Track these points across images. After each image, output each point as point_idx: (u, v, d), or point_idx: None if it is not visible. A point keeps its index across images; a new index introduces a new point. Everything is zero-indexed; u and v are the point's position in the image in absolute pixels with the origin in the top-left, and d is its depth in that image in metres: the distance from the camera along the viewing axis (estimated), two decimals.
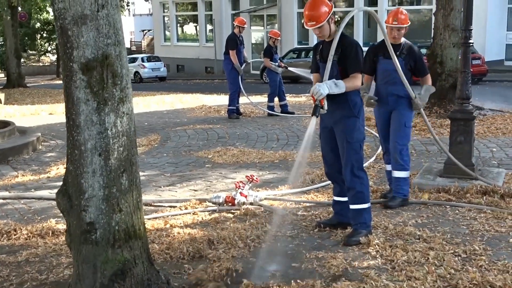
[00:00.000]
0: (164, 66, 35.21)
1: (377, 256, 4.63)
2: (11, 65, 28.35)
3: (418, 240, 4.93)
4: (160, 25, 40.33)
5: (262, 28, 33.22)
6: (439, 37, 12.22)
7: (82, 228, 3.54)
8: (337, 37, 4.77)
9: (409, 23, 6.18)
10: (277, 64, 13.26)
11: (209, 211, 6.12)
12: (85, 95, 3.41)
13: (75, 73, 3.39)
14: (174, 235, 5.23)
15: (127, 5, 53.90)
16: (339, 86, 4.81)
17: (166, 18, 40.19)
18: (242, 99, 13.80)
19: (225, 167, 8.27)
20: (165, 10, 40.04)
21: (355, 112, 5.05)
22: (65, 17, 3.35)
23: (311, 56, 22.59)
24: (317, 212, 5.87)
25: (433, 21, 12.93)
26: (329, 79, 4.80)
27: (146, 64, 34.59)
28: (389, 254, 4.62)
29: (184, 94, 20.36)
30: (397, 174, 6.12)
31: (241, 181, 6.32)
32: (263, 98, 15.72)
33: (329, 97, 4.78)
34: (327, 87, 4.71)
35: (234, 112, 13.09)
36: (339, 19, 29.52)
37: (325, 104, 4.71)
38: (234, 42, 12.87)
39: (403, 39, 6.22)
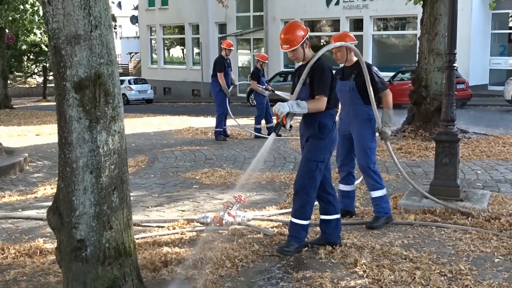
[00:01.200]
0: (151, 89, 35.33)
1: (364, 275, 4.68)
2: None
3: (404, 260, 4.99)
4: (147, 48, 40.54)
5: (249, 51, 33.50)
6: (423, 61, 12.40)
7: (72, 245, 3.56)
8: (312, 61, 5.04)
9: (350, 42, 6.11)
10: (264, 87, 13.38)
11: (197, 231, 6.15)
12: (77, 113, 3.45)
13: (68, 91, 3.44)
14: (162, 255, 5.23)
15: (114, 28, 54.21)
16: (301, 107, 4.98)
17: (153, 41, 40.42)
18: (229, 121, 13.89)
19: (213, 188, 8.31)
20: (152, 33, 40.27)
21: (321, 134, 5.23)
22: (59, 37, 3.41)
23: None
24: None
25: (417, 46, 13.13)
26: (300, 99, 5.05)
27: (133, 86, 34.68)
28: (376, 273, 4.67)
29: (171, 116, 20.41)
30: (373, 194, 6.21)
31: (228, 201, 6.35)
32: (249, 121, 15.81)
33: (303, 118, 5.17)
34: (288, 106, 4.90)
35: (221, 134, 13.16)
36: (324, 43, 29.88)
37: (287, 123, 4.93)
38: (222, 64, 12.98)
39: (355, 59, 6.23)
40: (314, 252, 5.32)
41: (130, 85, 34.70)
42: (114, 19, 53.55)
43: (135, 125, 17.34)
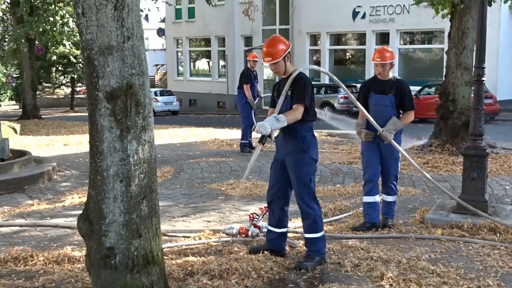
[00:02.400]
0: (177, 100, 35.60)
1: None
2: (27, 96, 28.74)
3: (431, 275, 4.94)
4: (174, 60, 40.92)
5: None
6: (451, 76, 12.33)
7: (102, 253, 3.61)
8: (294, 75, 5.17)
9: (394, 59, 6.57)
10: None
11: (223, 241, 6.17)
12: (109, 123, 3.51)
13: (100, 101, 3.50)
14: (188, 265, 5.26)
15: None
16: (281, 121, 5.07)
17: (179, 53, 40.78)
18: (255, 133, 13.89)
19: (238, 199, 8.33)
20: (179, 46, 40.64)
21: (304, 147, 5.30)
22: (92, 48, 3.48)
23: (322, 93, 22.67)
24: (330, 245, 5.89)
25: (445, 60, 13.06)
26: (282, 113, 5.17)
27: (159, 98, 34.97)
28: (403, 287, 4.64)
29: (196, 128, 20.53)
30: (390, 198, 6.67)
31: (254, 213, 6.36)
32: (275, 133, 15.81)
33: (282, 130, 5.25)
34: (268, 125, 5.01)
35: (246, 146, 13.19)
36: (350, 56, 29.92)
37: (273, 135, 5.15)
38: (248, 76, 13.04)
39: (391, 75, 6.60)
40: (340, 264, 5.30)
41: (156, 97, 34.98)
42: None
43: (162, 136, 17.47)
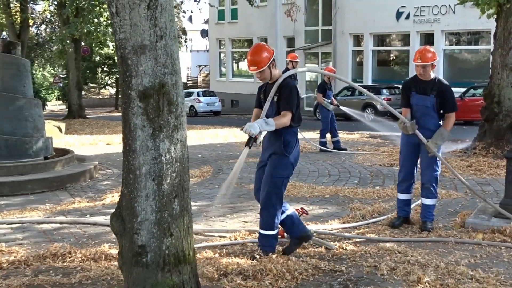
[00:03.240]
0: (219, 101, 35.81)
1: None
2: (73, 96, 29.35)
3: (470, 280, 4.82)
4: (216, 61, 41.14)
5: (317, 65, 33.43)
6: (496, 77, 12.03)
7: (133, 251, 3.63)
8: (279, 81, 5.33)
9: (435, 60, 6.49)
10: (329, 101, 13.30)
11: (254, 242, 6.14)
12: (141, 122, 3.53)
13: (133, 100, 3.52)
14: (222, 265, 5.26)
15: (185, 41, 55.29)
16: (270, 124, 5.20)
17: (222, 54, 40.98)
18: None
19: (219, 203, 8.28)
20: (222, 47, 40.83)
21: (285, 151, 5.44)
22: (126, 47, 3.50)
23: (364, 94, 22.52)
24: (367, 248, 5.81)
25: (491, 61, 12.76)
26: (268, 117, 5.29)
27: (202, 98, 35.26)
28: None
29: (237, 128, 20.55)
30: (428, 201, 6.55)
31: None
32: (315, 134, 15.75)
33: (268, 133, 5.33)
34: (258, 126, 5.14)
35: None
36: (394, 58, 29.55)
37: (259, 138, 5.18)
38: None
39: (433, 75, 6.54)
40: (376, 268, 5.21)
41: (198, 97, 35.30)
42: (185, 32, 54.68)
43: (203, 136, 17.59)
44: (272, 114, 5.40)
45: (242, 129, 5.29)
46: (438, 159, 6.45)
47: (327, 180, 9.80)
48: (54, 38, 31.56)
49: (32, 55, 45.95)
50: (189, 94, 36.66)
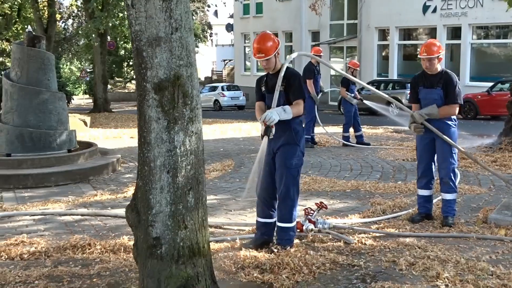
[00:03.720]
0: (243, 95, 35.79)
1: None
2: (98, 90, 29.62)
3: (491, 276, 4.74)
4: (241, 55, 41.14)
5: (342, 59, 33.23)
6: None
7: (148, 243, 3.64)
8: (283, 69, 5.32)
9: (441, 53, 6.43)
10: (353, 95, 13.21)
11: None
12: (156, 114, 3.53)
13: (148, 92, 3.52)
14: (240, 258, 5.26)
15: (210, 36, 55.42)
16: (287, 112, 5.30)
17: (247, 49, 40.93)
18: (318, 129, 13.81)
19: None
20: (246, 41, 40.80)
21: (296, 140, 5.51)
22: (141, 39, 3.50)
23: (390, 88, 22.18)
24: (386, 243, 5.76)
25: None
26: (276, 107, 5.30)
27: (226, 93, 35.31)
28: None
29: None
30: (448, 196, 6.47)
31: (310, 208, 6.30)
32: (339, 129, 15.66)
33: (275, 124, 5.25)
34: (277, 113, 5.20)
35: (308, 141, 13.06)
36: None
37: (273, 129, 5.20)
38: (311, 71, 12.93)
39: (440, 68, 6.51)
40: (394, 263, 5.16)
41: (223, 92, 35.36)
42: (210, 27, 54.84)
43: (226, 130, 17.62)
44: (281, 104, 5.40)
45: (260, 120, 5.29)
46: (453, 152, 6.41)
47: (348, 174, 9.74)
48: (80, 32, 31.87)
49: (60, 49, 46.53)
50: (213, 88, 36.79)
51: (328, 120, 19.42)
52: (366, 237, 5.99)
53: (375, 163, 10.67)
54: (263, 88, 5.67)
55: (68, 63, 54.68)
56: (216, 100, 35.28)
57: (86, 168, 10.23)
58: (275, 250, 5.42)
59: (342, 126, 13.80)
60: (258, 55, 5.45)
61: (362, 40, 31.07)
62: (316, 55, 13.02)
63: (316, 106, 13.06)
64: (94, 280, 4.92)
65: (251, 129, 17.79)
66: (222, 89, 35.87)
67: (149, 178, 3.60)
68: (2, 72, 10.87)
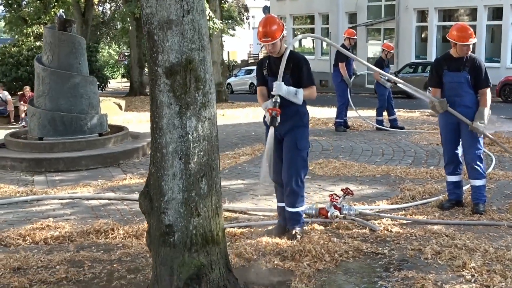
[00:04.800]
0: None
1: (472, 280, 4.35)
2: (134, 74, 29.81)
3: None
4: None
5: (379, 41, 32.67)
6: None
7: (161, 230, 3.58)
8: (287, 53, 5.23)
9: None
10: (386, 78, 12.93)
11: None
12: (168, 99, 3.45)
13: (160, 77, 3.45)
14: (261, 244, 5.19)
15: (247, 19, 55.21)
16: (299, 96, 5.27)
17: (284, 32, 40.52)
18: (351, 113, 13.60)
19: (325, 179, 8.14)
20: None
21: (305, 122, 5.49)
22: (152, 22, 3.42)
23: (427, 72, 21.60)
24: (413, 230, 5.61)
25: None
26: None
27: None
28: (486, 279, 4.32)
29: None
30: (478, 182, 6.28)
31: (335, 194, 6.18)
32: (373, 112, 15.40)
33: (281, 108, 5.15)
34: (286, 90, 5.16)
35: (341, 125, 12.89)
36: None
37: (278, 117, 5.09)
38: (344, 54, 12.66)
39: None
40: (420, 251, 5.02)
41: None
42: (246, 9, 54.60)
43: (258, 114, 17.48)
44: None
45: (263, 106, 5.33)
46: (480, 137, 6.21)
47: (379, 159, 9.54)
48: (116, 16, 32.03)
49: (98, 33, 46.97)
50: (249, 72, 36.62)
51: (364, 104, 19.16)
52: (393, 224, 5.85)
53: (408, 148, 10.44)
54: (265, 72, 5.57)
55: (107, 47, 55.17)
56: (251, 83, 35.13)
57: (117, 152, 10.28)
58: (299, 237, 5.33)
59: (375, 110, 13.55)
60: (264, 39, 5.31)
61: (400, 21, 30.45)
62: (349, 38, 12.85)
63: (349, 90, 12.84)
64: (114, 265, 4.91)
65: None
66: None
67: (161, 164, 3.53)
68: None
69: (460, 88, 6.18)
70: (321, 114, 17.01)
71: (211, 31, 22.90)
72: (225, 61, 53.33)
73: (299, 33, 40.52)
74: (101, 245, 5.53)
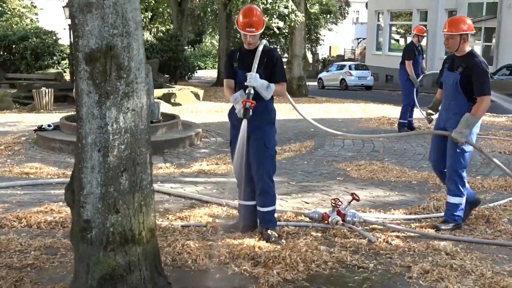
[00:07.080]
0: (372, 75, 34.63)
1: None
2: (221, 64, 30.01)
3: None
4: (373, 33, 39.75)
5: (480, 42, 31.04)
6: None
7: (80, 225, 3.40)
8: (261, 46, 5.04)
9: (462, 31, 5.44)
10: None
11: (300, 226, 5.69)
12: (87, 87, 3.25)
13: (80, 63, 3.25)
14: (237, 247, 4.91)
15: (347, 14, 54.28)
16: (270, 91, 5.05)
17: (380, 27, 39.49)
18: (418, 114, 12.85)
19: (356, 182, 7.68)
20: (379, 19, 39.37)
21: (272, 119, 5.29)
22: (73, 4, 3.22)
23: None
24: (415, 244, 5.11)
25: None
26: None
27: (353, 72, 34.42)
28: None
29: (373, 104, 19.72)
30: (449, 199, 5.67)
31: (337, 199, 5.77)
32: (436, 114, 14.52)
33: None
34: (260, 84, 4.93)
35: (405, 126, 12.15)
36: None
37: (251, 110, 4.86)
38: (412, 51, 11.94)
39: (468, 49, 5.53)
40: (408, 269, 4.55)
41: (350, 71, 34.49)
42: (348, 4, 53.64)
43: (330, 110, 17.05)
44: None
45: (232, 99, 5.12)
46: (462, 150, 5.53)
47: (427, 164, 8.86)
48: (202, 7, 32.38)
49: (200, 23, 47.85)
50: (341, 67, 35.98)
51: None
52: (396, 236, 5.37)
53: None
54: (235, 64, 5.30)
55: (210, 37, 56.22)
56: (342, 79, 34.49)
57: (161, 140, 10.27)
58: (273, 238, 5.15)
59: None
60: (249, 29, 5.05)
61: (502, 20, 28.71)
62: (418, 35, 12.12)
63: (415, 89, 12.08)
64: None
65: (357, 111, 16.98)
66: (350, 68, 34.95)
67: (81, 156, 3.34)
68: None
69: (450, 91, 5.53)
70: (395, 114, 16.21)
71: (292, 24, 22.56)
72: (324, 56, 52.79)
73: (395, 29, 39.32)
74: None
